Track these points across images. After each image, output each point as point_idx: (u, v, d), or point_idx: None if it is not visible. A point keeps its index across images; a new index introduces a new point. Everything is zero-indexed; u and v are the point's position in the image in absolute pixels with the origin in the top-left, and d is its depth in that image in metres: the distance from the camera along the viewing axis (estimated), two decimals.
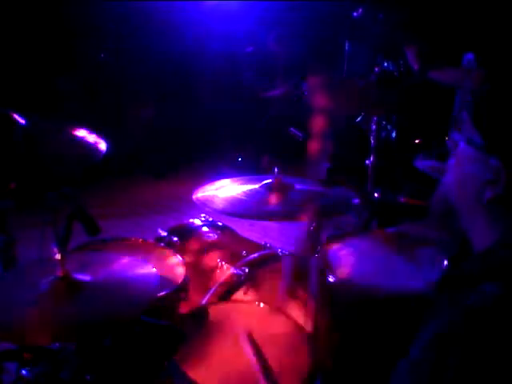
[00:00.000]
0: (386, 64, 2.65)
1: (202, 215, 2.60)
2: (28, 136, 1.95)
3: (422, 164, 2.31)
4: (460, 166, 1.21)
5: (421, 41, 2.71)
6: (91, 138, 2.10)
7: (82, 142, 2.08)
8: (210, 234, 2.48)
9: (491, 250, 1.13)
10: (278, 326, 1.77)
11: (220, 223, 2.56)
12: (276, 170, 2.08)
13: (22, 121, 1.98)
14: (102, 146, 2.05)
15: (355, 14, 2.86)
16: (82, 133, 2.12)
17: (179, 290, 1.90)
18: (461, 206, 1.22)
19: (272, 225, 4.17)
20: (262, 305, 1.87)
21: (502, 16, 2.60)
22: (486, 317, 1.01)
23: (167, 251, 2.13)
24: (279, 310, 1.85)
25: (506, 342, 0.98)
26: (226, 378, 1.57)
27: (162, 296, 1.80)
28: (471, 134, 1.18)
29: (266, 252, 2.30)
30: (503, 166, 1.10)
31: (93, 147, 2.05)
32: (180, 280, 1.93)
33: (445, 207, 1.27)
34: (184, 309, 1.93)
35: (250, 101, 5.60)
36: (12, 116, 1.96)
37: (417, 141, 3.12)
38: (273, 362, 1.59)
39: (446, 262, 1.91)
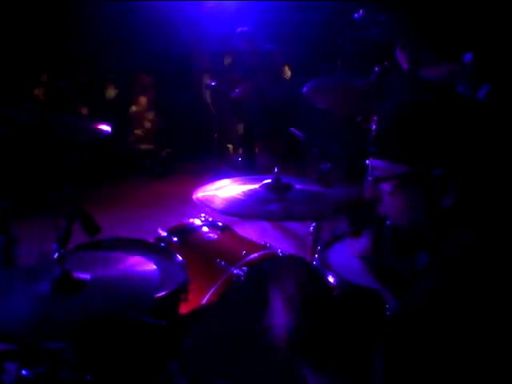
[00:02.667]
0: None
1: (202, 215, 2.60)
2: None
3: None
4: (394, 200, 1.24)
5: (418, 41, 2.71)
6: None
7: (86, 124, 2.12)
8: (210, 234, 2.48)
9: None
10: None
11: (220, 223, 2.56)
12: (276, 169, 2.08)
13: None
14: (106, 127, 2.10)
15: (356, 15, 2.86)
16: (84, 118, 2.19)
17: (179, 290, 1.90)
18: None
19: (272, 225, 4.18)
20: None
21: (502, 16, 2.60)
22: (463, 265, 1.06)
23: (167, 251, 2.13)
24: None
25: (485, 286, 1.03)
26: None
27: (161, 296, 1.80)
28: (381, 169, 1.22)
29: (266, 252, 2.30)
30: (448, 175, 1.13)
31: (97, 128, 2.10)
32: (180, 280, 1.92)
33: None
34: (184, 309, 1.93)
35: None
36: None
37: None
38: None
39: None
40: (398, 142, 1.20)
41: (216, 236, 2.47)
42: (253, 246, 2.36)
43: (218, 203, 1.99)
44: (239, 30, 5.20)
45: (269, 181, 2.07)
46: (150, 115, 5.82)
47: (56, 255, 1.50)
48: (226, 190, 2.10)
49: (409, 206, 1.22)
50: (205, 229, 2.51)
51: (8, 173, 1.98)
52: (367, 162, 3.15)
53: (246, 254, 2.24)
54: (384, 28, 2.91)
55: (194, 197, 2.03)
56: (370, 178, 1.30)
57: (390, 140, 1.23)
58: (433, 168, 1.15)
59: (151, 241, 2.30)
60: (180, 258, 2.05)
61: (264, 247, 2.37)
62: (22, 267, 1.95)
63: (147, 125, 5.81)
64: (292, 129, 2.69)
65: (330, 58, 5.07)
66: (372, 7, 2.91)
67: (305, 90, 2.79)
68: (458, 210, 1.16)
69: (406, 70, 2.65)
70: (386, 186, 1.24)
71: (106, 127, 2.17)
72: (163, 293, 1.82)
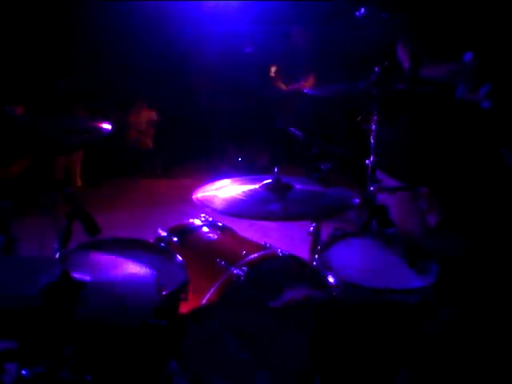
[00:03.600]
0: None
1: (202, 215, 2.60)
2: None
3: None
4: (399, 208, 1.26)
5: (420, 40, 2.71)
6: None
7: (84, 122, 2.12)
8: (210, 234, 2.48)
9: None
10: None
11: (220, 223, 2.56)
12: (276, 169, 2.08)
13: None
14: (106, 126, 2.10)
15: (357, 13, 2.86)
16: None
17: (179, 290, 1.90)
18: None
19: (272, 225, 4.18)
20: None
21: (502, 15, 2.60)
22: (441, 341, 1.05)
23: (167, 251, 2.13)
24: None
25: (460, 361, 1.02)
26: None
27: (161, 296, 1.80)
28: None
29: (266, 252, 2.30)
30: (432, 193, 1.14)
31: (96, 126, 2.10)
32: (180, 280, 1.92)
33: None
34: (184, 309, 1.93)
35: (250, 101, 5.61)
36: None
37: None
38: None
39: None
40: (397, 159, 1.22)
41: (216, 236, 2.47)
42: (253, 246, 2.37)
43: (218, 203, 1.99)
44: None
45: (269, 181, 2.07)
46: (151, 115, 5.82)
47: (56, 255, 1.50)
48: (225, 190, 2.10)
49: (406, 219, 1.23)
50: (205, 229, 2.51)
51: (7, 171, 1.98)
52: (366, 162, 3.16)
53: (246, 254, 2.24)
54: (385, 27, 2.90)
55: (193, 197, 2.03)
56: (372, 188, 1.31)
57: (389, 155, 1.24)
58: (419, 185, 1.16)
59: (151, 241, 2.31)
60: (180, 258, 2.05)
61: (264, 247, 2.37)
62: (22, 267, 1.95)
63: (147, 124, 5.81)
64: (292, 129, 2.69)
65: (331, 57, 5.07)
66: (373, 6, 2.91)
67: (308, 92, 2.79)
68: (442, 228, 1.15)
69: (406, 69, 2.65)
70: (390, 196, 1.25)
71: (106, 125, 2.17)
72: (163, 293, 1.82)
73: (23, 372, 1.60)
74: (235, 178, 2.22)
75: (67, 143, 2.04)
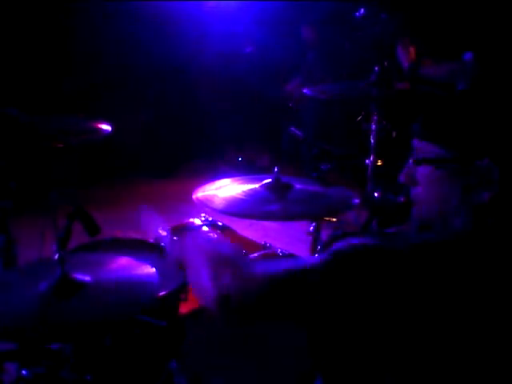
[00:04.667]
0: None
1: (202, 215, 2.60)
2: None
3: None
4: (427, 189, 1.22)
5: (419, 39, 2.71)
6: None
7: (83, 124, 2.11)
8: (210, 234, 2.48)
9: None
10: None
11: (220, 223, 2.56)
12: (276, 169, 2.08)
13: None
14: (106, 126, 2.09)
15: (357, 14, 2.86)
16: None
17: (179, 290, 1.90)
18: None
19: (272, 225, 4.18)
20: None
21: (502, 15, 2.60)
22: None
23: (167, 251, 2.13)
24: None
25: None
26: None
27: (161, 296, 1.80)
28: (430, 153, 1.18)
29: (266, 252, 2.30)
30: (494, 165, 1.10)
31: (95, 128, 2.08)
32: (180, 280, 1.92)
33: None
34: (184, 309, 1.93)
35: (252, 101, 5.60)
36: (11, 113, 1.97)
37: None
38: None
39: None
40: (449, 125, 1.16)
41: (216, 236, 2.47)
42: (253, 246, 2.37)
43: (218, 203, 1.99)
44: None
45: (269, 181, 2.07)
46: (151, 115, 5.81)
47: (56, 256, 1.50)
48: (225, 189, 2.10)
49: (443, 196, 1.18)
50: (205, 229, 2.51)
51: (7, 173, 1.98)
52: (366, 162, 3.15)
53: (246, 254, 2.24)
54: (385, 27, 2.91)
55: (193, 197, 2.03)
56: (411, 160, 1.24)
57: (440, 122, 1.18)
58: (480, 157, 1.10)
59: (151, 241, 2.30)
60: None
61: (264, 247, 2.37)
62: (22, 267, 1.95)
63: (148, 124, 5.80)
64: (292, 129, 2.69)
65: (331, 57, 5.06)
66: (373, 6, 2.91)
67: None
68: (495, 205, 1.12)
69: (406, 69, 2.65)
70: (424, 170, 1.19)
71: (105, 126, 2.16)
72: (163, 293, 1.82)
73: (23, 372, 1.60)
74: (235, 178, 2.22)
75: (66, 144, 2.04)
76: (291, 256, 2.32)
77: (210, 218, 2.58)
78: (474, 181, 1.12)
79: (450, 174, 1.15)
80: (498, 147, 1.12)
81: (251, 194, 2.03)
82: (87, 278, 1.53)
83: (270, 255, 2.27)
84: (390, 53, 3.14)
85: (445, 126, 1.16)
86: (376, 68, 2.80)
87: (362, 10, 2.84)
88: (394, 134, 3.28)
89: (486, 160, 1.10)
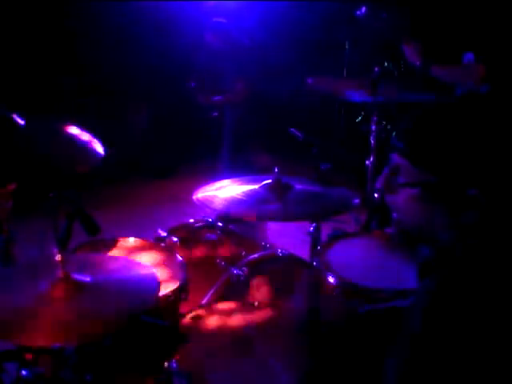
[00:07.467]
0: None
1: (202, 215, 2.59)
2: (26, 137, 1.94)
3: None
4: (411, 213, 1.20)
5: (422, 38, 2.70)
6: (88, 139, 2.04)
7: (78, 144, 2.02)
8: (210, 234, 2.48)
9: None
10: None
11: (220, 223, 2.55)
12: (276, 169, 2.08)
13: (22, 122, 1.96)
14: (100, 149, 1.99)
15: (358, 12, 2.85)
16: (79, 133, 2.06)
17: (179, 290, 1.90)
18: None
19: (272, 225, 4.17)
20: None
21: (502, 15, 2.60)
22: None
23: (167, 251, 2.13)
24: None
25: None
26: None
27: (161, 296, 1.80)
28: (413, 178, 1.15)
29: (266, 252, 2.30)
30: (481, 195, 1.08)
31: (90, 151, 1.99)
32: (180, 280, 1.92)
33: None
34: (184, 309, 1.93)
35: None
36: (12, 118, 1.95)
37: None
38: None
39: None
40: (438, 153, 1.12)
41: (216, 236, 2.47)
42: (253, 246, 2.37)
43: (218, 203, 1.99)
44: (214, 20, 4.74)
45: (269, 181, 2.07)
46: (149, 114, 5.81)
47: (56, 256, 1.50)
48: (225, 190, 2.10)
49: (427, 212, 1.16)
50: (205, 229, 2.51)
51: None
52: (366, 162, 3.16)
53: (246, 254, 2.24)
54: (387, 25, 2.90)
55: (194, 197, 2.03)
56: (387, 168, 1.22)
57: (428, 148, 1.14)
58: (467, 187, 1.08)
59: (151, 241, 2.30)
60: (180, 257, 2.05)
61: (264, 247, 2.37)
62: (22, 267, 1.95)
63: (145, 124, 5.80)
64: (292, 129, 2.69)
65: (332, 56, 5.06)
66: (374, 4, 2.90)
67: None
68: (479, 226, 1.11)
69: (417, 67, 2.61)
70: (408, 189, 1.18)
71: (99, 148, 1.97)
72: (163, 293, 1.82)
73: (23, 372, 1.60)
74: (235, 178, 2.22)
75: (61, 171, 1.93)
76: (291, 256, 2.32)
77: (210, 219, 2.58)
78: (460, 203, 1.10)
79: (433, 197, 1.13)
80: (487, 178, 1.09)
81: (251, 195, 2.03)
82: (87, 279, 1.53)
83: (270, 255, 2.27)
84: (392, 53, 3.14)
85: (433, 154, 1.12)
86: (376, 68, 2.80)
87: (364, 9, 2.83)
88: (393, 135, 3.27)
89: (473, 191, 1.08)
